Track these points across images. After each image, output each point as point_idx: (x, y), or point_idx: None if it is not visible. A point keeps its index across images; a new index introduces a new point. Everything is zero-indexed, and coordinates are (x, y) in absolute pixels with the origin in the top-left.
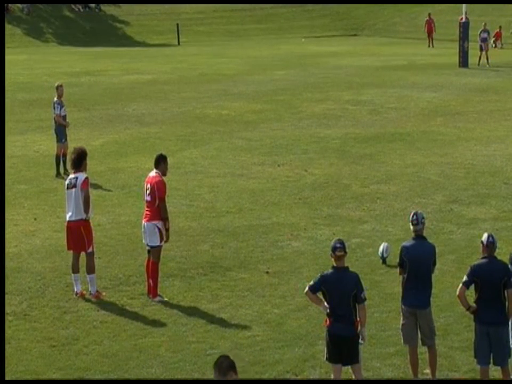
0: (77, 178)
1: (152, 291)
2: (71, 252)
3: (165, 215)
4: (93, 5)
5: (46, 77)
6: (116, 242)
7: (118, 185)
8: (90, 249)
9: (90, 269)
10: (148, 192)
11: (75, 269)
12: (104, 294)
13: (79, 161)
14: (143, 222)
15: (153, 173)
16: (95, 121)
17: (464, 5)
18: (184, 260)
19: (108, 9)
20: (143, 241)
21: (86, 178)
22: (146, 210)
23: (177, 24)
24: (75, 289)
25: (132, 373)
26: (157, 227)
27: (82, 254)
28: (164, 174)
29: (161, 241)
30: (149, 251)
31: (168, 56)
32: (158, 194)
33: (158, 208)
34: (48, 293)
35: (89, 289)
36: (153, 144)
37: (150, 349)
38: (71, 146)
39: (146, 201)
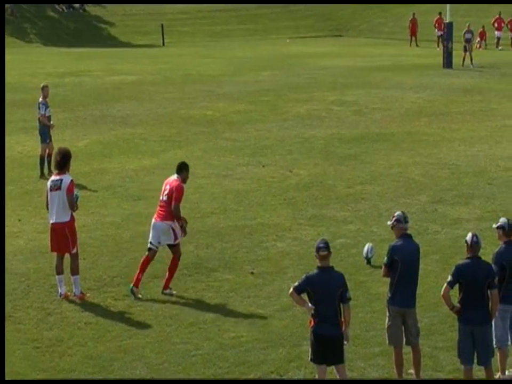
0: (61, 180)
1: (166, 283)
2: (55, 253)
3: (178, 215)
4: (77, 5)
5: (30, 77)
6: (101, 243)
7: (102, 186)
8: (74, 250)
9: (75, 270)
10: (166, 193)
11: (59, 270)
12: (88, 295)
13: (64, 162)
14: (155, 220)
15: (174, 176)
16: (79, 122)
17: (448, 6)
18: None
19: (92, 9)
20: (149, 239)
21: (72, 181)
22: (160, 210)
23: (162, 25)
24: (59, 291)
25: (117, 374)
26: (171, 227)
27: (67, 255)
28: (184, 181)
29: (175, 240)
30: (149, 248)
31: (152, 57)
32: (175, 197)
33: (169, 208)
34: (32, 295)
35: (74, 290)
36: (137, 145)
37: (134, 350)
38: (55, 147)
39: (162, 201)
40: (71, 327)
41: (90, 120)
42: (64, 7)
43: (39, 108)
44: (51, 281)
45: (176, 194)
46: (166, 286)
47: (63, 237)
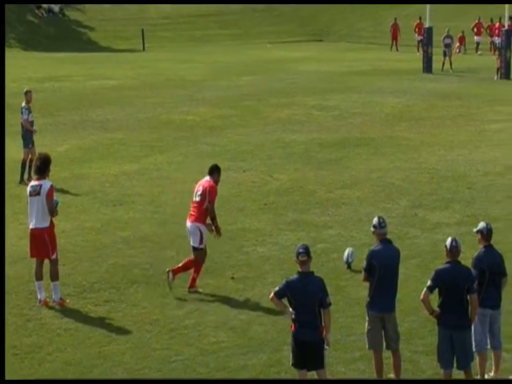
0: (41, 186)
1: (191, 283)
2: (34, 259)
3: (213, 215)
4: (56, 10)
5: (10, 82)
6: (80, 249)
7: (82, 191)
8: (54, 256)
9: (54, 276)
10: (199, 193)
11: (38, 276)
12: (68, 301)
13: (44, 167)
14: (188, 222)
15: (207, 178)
16: (59, 127)
17: (428, 11)
18: (149, 266)
19: (72, 14)
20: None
21: (51, 186)
22: (192, 211)
23: (142, 30)
24: (38, 297)
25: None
26: (199, 229)
27: (46, 261)
28: (216, 183)
29: (200, 243)
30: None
31: (133, 62)
32: (209, 197)
33: (204, 210)
34: (11, 300)
35: (53, 296)
36: (117, 150)
37: (114, 356)
38: (36, 152)
39: (194, 201)
40: (51, 333)
41: (70, 125)
42: (43, 12)
43: (22, 113)
44: (30, 287)
45: (210, 196)
46: (191, 286)
47: (42, 243)
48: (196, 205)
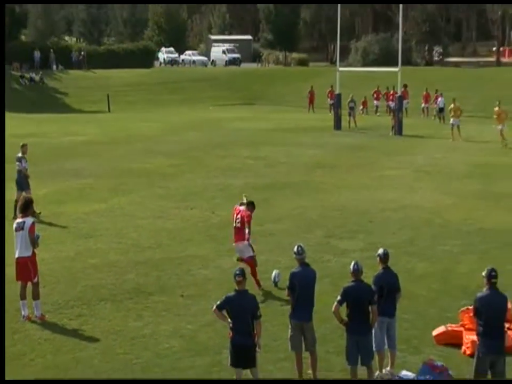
0: (24, 222)
1: (257, 283)
2: (19, 282)
3: (249, 234)
4: (37, 79)
5: None
6: (57, 273)
7: (59, 226)
8: (36, 280)
9: (36, 296)
10: (238, 221)
11: (23, 296)
12: (47, 316)
13: (26, 207)
14: (236, 243)
15: (243, 207)
16: (39, 174)
17: (337, 81)
18: (114, 286)
19: (50, 82)
20: (239, 254)
21: (33, 223)
22: (236, 235)
23: (108, 95)
24: (23, 313)
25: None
26: (249, 244)
27: (29, 283)
28: (251, 211)
29: (253, 252)
30: (242, 259)
31: (100, 121)
32: (247, 221)
33: (243, 231)
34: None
35: (35, 312)
36: (88, 193)
37: (85, 360)
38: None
39: (236, 228)
40: (33, 342)
41: (48, 173)
42: (26, 81)
43: (20, 161)
44: (16, 306)
45: (247, 220)
46: (258, 286)
47: (26, 269)
48: (237, 230)
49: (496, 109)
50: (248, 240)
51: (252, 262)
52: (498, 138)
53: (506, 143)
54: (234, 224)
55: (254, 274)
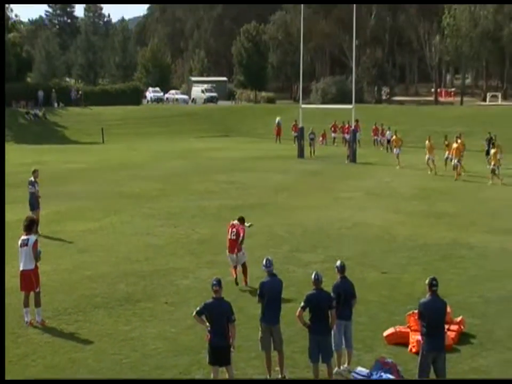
0: (28, 239)
1: (246, 282)
2: (23, 292)
3: (243, 241)
4: (40, 115)
5: (9, 166)
6: (57, 284)
7: (58, 243)
8: (37, 289)
9: (38, 304)
10: (234, 233)
11: (26, 304)
12: (47, 321)
13: (30, 226)
14: (233, 253)
15: (236, 222)
16: (41, 197)
17: (300, 116)
18: (107, 295)
19: (52, 117)
20: (233, 263)
21: (36, 240)
22: (232, 246)
23: (102, 128)
24: (26, 319)
25: (69, 378)
26: (243, 252)
27: (32, 293)
28: (243, 225)
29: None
30: (235, 266)
31: (95, 151)
32: (242, 234)
33: (238, 242)
34: (7, 323)
35: (37, 318)
36: (84, 214)
37: (81, 360)
38: (24, 214)
39: (231, 240)
40: (34, 345)
41: (48, 196)
42: (31, 117)
43: (33, 185)
44: (20, 313)
45: (242, 233)
46: (246, 283)
47: (29, 280)
48: (232, 241)
49: (427, 142)
50: (241, 249)
51: (246, 265)
52: (430, 167)
53: (436, 171)
54: (229, 237)
55: (246, 274)
